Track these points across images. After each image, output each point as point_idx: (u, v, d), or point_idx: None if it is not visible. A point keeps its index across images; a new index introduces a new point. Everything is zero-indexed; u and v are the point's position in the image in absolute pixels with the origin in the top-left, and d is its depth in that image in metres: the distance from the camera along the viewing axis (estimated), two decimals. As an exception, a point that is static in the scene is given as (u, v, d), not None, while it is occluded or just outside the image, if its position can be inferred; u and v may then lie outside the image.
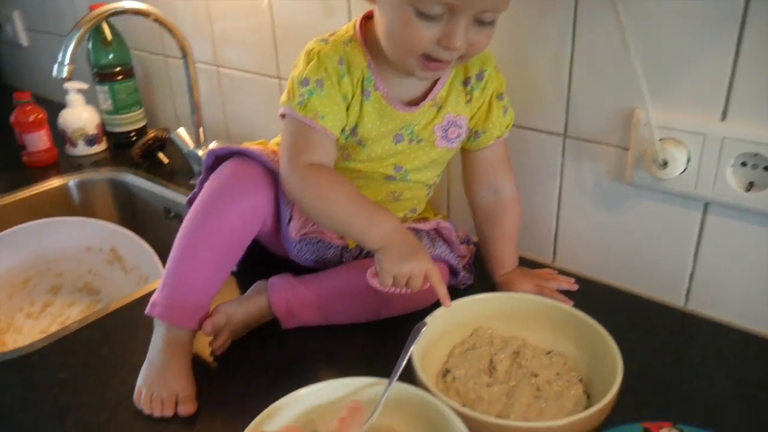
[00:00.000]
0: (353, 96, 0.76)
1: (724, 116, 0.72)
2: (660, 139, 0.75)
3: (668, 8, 0.71)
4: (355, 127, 0.77)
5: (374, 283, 0.71)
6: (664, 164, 0.75)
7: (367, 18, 0.77)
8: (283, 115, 0.77)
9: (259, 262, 0.92)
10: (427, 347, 0.70)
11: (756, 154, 0.71)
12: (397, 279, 0.69)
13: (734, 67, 0.70)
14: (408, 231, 0.73)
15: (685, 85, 0.74)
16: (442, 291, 0.70)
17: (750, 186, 0.73)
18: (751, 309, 0.78)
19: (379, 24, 0.72)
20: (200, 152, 1.22)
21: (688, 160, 0.75)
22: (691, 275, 0.82)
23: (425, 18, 0.65)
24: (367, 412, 0.60)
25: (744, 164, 0.72)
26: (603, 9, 0.74)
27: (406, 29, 0.67)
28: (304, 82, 0.74)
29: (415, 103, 0.78)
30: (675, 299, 0.84)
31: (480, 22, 0.67)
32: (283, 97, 0.77)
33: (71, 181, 1.32)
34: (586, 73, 0.81)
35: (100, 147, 1.43)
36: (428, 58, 0.69)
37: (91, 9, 1.27)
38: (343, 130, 0.78)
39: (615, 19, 0.72)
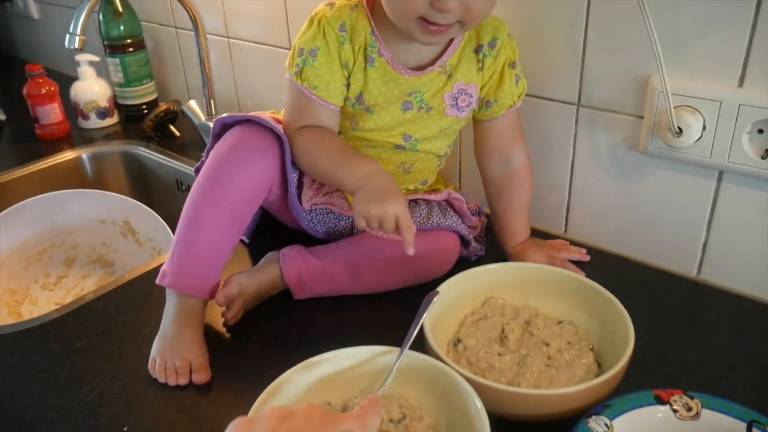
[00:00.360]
0: (355, 63, 0.76)
1: (741, 82, 0.71)
2: (675, 107, 0.74)
3: (686, -28, 0.70)
4: (361, 94, 0.77)
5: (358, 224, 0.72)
6: (679, 132, 0.74)
7: None
8: (289, 81, 0.78)
9: (271, 233, 0.93)
10: (438, 317, 0.70)
11: (773, 122, 0.70)
12: (369, 221, 0.68)
13: (752, 33, 0.68)
14: (388, 175, 0.72)
15: (702, 52, 0.72)
16: (408, 237, 0.68)
17: (766, 153, 0.71)
18: (764, 278, 0.77)
19: None
20: (212, 124, 1.22)
21: (704, 128, 0.74)
22: (704, 245, 0.81)
23: None
24: (380, 383, 0.61)
25: (761, 131, 0.71)
26: (618, -27, 0.73)
27: None
28: (299, 52, 0.76)
29: (422, 68, 0.77)
30: (687, 269, 0.84)
31: None
32: (287, 61, 0.78)
33: (84, 153, 1.33)
34: (601, 41, 0.80)
35: (112, 120, 1.44)
36: (427, 22, 0.68)
37: (101, -20, 1.27)
38: (347, 98, 0.78)
39: (631, -16, 0.71)
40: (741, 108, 0.71)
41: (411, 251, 0.68)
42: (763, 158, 0.72)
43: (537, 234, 0.90)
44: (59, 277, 1.14)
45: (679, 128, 0.74)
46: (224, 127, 0.81)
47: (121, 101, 1.44)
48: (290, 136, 0.78)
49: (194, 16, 1.17)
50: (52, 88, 1.36)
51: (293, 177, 0.80)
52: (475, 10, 0.68)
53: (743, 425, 0.55)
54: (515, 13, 0.84)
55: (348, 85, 0.78)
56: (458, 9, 0.66)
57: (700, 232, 0.81)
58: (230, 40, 1.28)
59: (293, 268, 0.79)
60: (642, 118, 0.79)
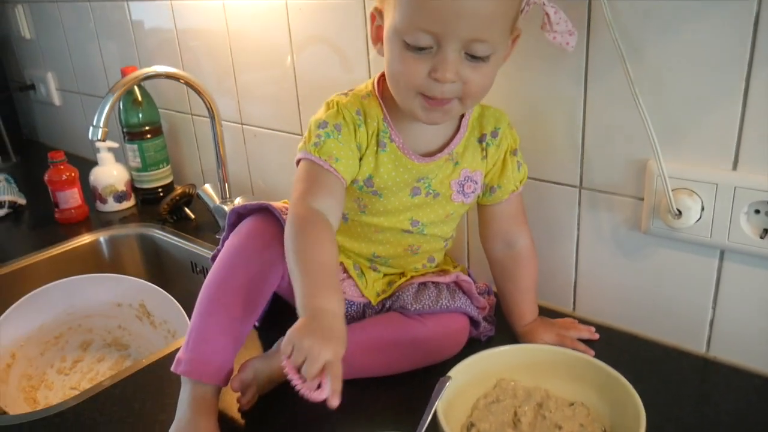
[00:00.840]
0: (368, 147, 0.79)
1: (735, 165, 0.74)
2: (673, 190, 0.77)
3: (675, 62, 0.74)
4: (371, 177, 0.80)
5: (286, 363, 0.63)
6: (679, 214, 0.77)
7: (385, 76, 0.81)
8: (298, 161, 0.79)
9: (284, 317, 0.94)
10: (450, 400, 0.71)
11: (769, 203, 0.72)
12: (295, 352, 0.61)
13: (743, 117, 0.72)
14: (343, 323, 0.66)
15: (696, 137, 0.76)
16: (335, 385, 0.61)
17: (765, 233, 0.74)
18: (773, 355, 0.78)
19: (385, 69, 0.76)
20: (226, 207, 1.26)
21: (702, 209, 0.76)
22: (711, 322, 0.82)
23: (414, 50, 0.69)
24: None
25: (757, 212, 0.74)
26: (613, 64, 0.77)
27: (399, 64, 0.71)
28: (322, 125, 0.77)
29: (431, 155, 0.81)
30: (696, 346, 0.84)
31: (472, 57, 0.69)
32: (300, 143, 0.80)
33: (101, 237, 1.37)
34: (599, 127, 0.83)
35: (129, 203, 1.48)
36: (427, 97, 0.71)
37: (124, 72, 1.34)
38: (355, 181, 0.80)
39: (624, 74, 0.75)
40: (737, 190, 0.74)
41: (335, 402, 0.61)
42: (761, 237, 0.74)
43: (546, 312, 0.92)
44: (75, 361, 1.16)
45: (679, 210, 0.77)
46: (239, 216, 0.85)
47: (138, 185, 1.49)
48: (294, 210, 0.74)
49: (210, 105, 1.23)
50: (73, 174, 1.41)
51: None
52: (473, 84, 0.71)
53: None
54: (516, 102, 0.88)
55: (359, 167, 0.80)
56: (456, 79, 0.69)
57: (706, 310, 0.82)
58: (244, 126, 1.34)
59: (306, 353, 0.80)
60: (642, 199, 0.82)
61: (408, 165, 0.80)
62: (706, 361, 0.83)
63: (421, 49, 0.69)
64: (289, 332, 0.63)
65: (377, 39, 0.76)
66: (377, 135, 0.79)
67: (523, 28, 0.77)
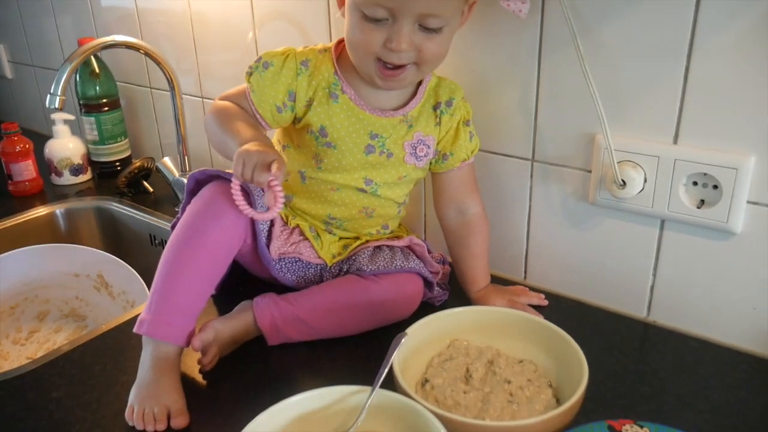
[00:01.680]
0: (314, 97, 0.84)
1: (675, 140, 0.79)
2: (618, 162, 0.82)
3: (622, 41, 0.78)
4: (323, 128, 0.84)
5: (234, 184, 0.75)
6: (623, 185, 0.82)
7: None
8: None
9: (243, 285, 0.96)
10: (406, 359, 0.74)
11: (705, 174, 0.77)
12: (245, 165, 0.72)
13: (683, 94, 0.77)
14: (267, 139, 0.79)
15: (640, 112, 0.80)
16: (282, 170, 0.72)
17: (701, 203, 0.79)
18: (707, 318, 0.84)
19: (344, 34, 0.80)
20: (186, 180, 1.26)
21: (645, 181, 0.81)
22: (652, 288, 0.87)
23: (371, 21, 0.74)
24: (353, 421, 0.64)
25: (695, 183, 0.79)
26: (565, 42, 0.81)
27: (357, 32, 0.76)
28: (258, 59, 0.85)
29: (384, 111, 0.85)
30: (638, 311, 0.90)
31: (425, 29, 0.74)
32: None
33: (57, 209, 1.35)
34: (551, 102, 0.87)
35: (86, 176, 1.47)
36: (384, 65, 0.77)
37: (81, 43, 1.32)
38: (310, 131, 0.85)
39: (576, 51, 0.79)
40: (677, 162, 0.78)
41: (278, 206, 0.73)
42: (698, 207, 0.79)
43: (498, 281, 0.96)
44: (31, 331, 1.15)
45: (623, 181, 0.81)
46: (197, 183, 0.86)
47: (95, 158, 1.48)
48: (212, 105, 0.87)
49: (170, 77, 1.23)
50: (27, 146, 1.39)
51: (263, 228, 0.84)
52: (426, 52, 0.76)
53: (687, 450, 0.61)
54: (473, 78, 0.92)
55: (293, 115, 0.86)
56: (410, 49, 0.75)
57: (647, 276, 0.87)
58: (204, 100, 1.34)
59: (266, 314, 0.82)
60: (590, 171, 0.87)
61: (360, 116, 0.84)
62: (646, 325, 0.88)
63: (377, 20, 0.74)
64: (236, 153, 0.73)
65: (341, 3, 0.81)
66: (328, 87, 0.84)
67: (479, 5, 0.80)
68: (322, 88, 0.84)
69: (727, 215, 0.77)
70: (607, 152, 0.82)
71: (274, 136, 0.94)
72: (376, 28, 0.75)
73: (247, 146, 0.73)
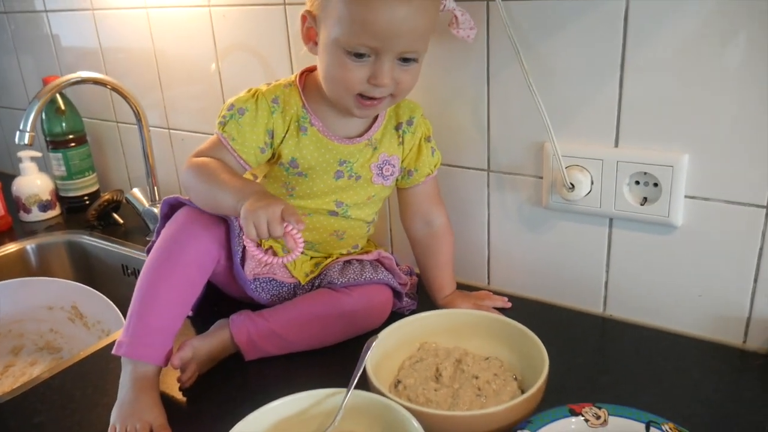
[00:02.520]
0: (287, 132, 0.87)
1: (616, 143, 0.85)
2: (566, 167, 0.88)
3: (562, 56, 0.85)
4: (294, 159, 0.87)
5: (249, 245, 0.74)
6: (572, 188, 0.87)
7: (309, 71, 0.89)
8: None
9: (217, 306, 0.99)
10: (378, 363, 0.78)
11: (645, 173, 0.84)
12: (258, 226, 0.71)
13: (620, 101, 0.83)
14: (268, 191, 0.77)
15: (583, 119, 0.87)
16: (294, 217, 0.71)
17: (644, 201, 0.85)
18: (659, 308, 0.90)
19: (320, 69, 0.83)
20: (156, 210, 1.29)
21: (592, 183, 0.87)
22: (606, 284, 0.93)
23: (354, 58, 0.77)
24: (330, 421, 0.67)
25: (637, 182, 0.85)
26: (510, 59, 0.87)
27: (340, 70, 0.79)
28: (229, 107, 0.87)
29: (350, 139, 0.89)
30: (595, 307, 0.95)
31: (404, 60, 0.79)
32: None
33: (27, 245, 1.36)
34: (502, 116, 0.93)
35: (54, 212, 1.48)
36: (362, 97, 0.80)
37: (46, 81, 1.35)
38: (281, 163, 0.88)
39: (520, 67, 0.85)
40: (619, 164, 0.85)
41: (299, 248, 0.73)
42: (642, 204, 0.85)
43: (463, 287, 1.00)
44: (6, 366, 1.15)
45: (572, 184, 0.87)
46: (171, 208, 0.89)
47: (63, 194, 1.49)
48: (187, 163, 0.84)
49: (137, 109, 1.26)
50: (-6, 185, 1.40)
51: (238, 249, 0.88)
52: (404, 83, 0.81)
53: (643, 426, 0.65)
54: (428, 96, 0.97)
55: (272, 151, 0.88)
56: (391, 84, 0.79)
57: (601, 273, 0.93)
58: (171, 131, 1.37)
59: (242, 330, 0.85)
60: (542, 178, 0.92)
61: (329, 146, 0.88)
62: (603, 320, 0.94)
63: (360, 56, 0.77)
64: (241, 216, 0.73)
65: (308, 39, 0.84)
66: (297, 121, 0.87)
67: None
68: (293, 122, 0.87)
69: (668, 210, 0.83)
70: (555, 158, 0.87)
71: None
72: (359, 66, 0.78)
73: (247, 206, 0.72)
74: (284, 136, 0.87)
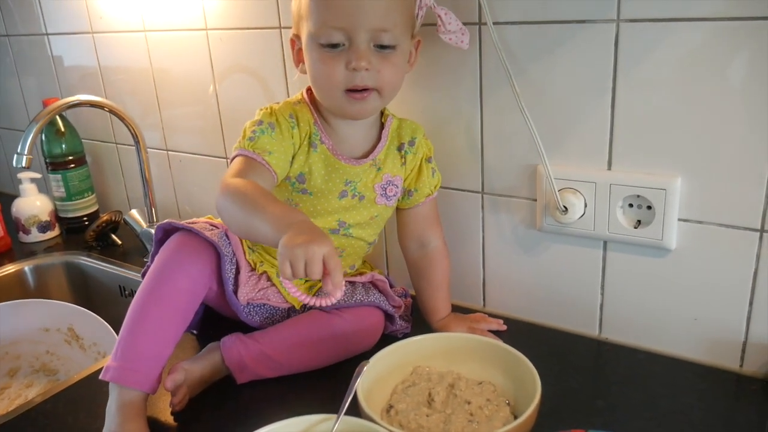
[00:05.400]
0: (300, 146, 0.87)
1: (609, 165, 0.85)
2: (559, 189, 0.88)
3: (553, 79, 0.85)
4: (302, 174, 0.87)
5: (286, 284, 0.71)
6: (566, 210, 0.87)
7: (311, 91, 0.89)
8: (233, 159, 0.85)
9: (215, 326, 0.99)
10: (371, 388, 0.77)
11: (638, 196, 0.83)
12: (293, 263, 0.65)
13: (612, 125, 0.83)
14: (314, 224, 0.71)
15: (576, 142, 0.87)
16: (336, 278, 0.67)
17: (638, 223, 0.85)
18: (654, 331, 0.89)
19: (309, 77, 0.84)
20: (153, 231, 1.29)
21: (585, 206, 0.87)
22: (601, 306, 0.92)
23: (330, 49, 0.79)
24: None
25: (631, 205, 0.85)
26: (502, 82, 0.88)
27: (320, 65, 0.80)
28: (258, 123, 0.85)
29: (356, 159, 0.89)
30: (591, 330, 0.94)
31: (380, 47, 0.79)
32: (235, 144, 0.86)
33: (26, 266, 1.37)
34: (495, 138, 0.94)
35: (53, 233, 1.48)
36: (349, 92, 0.81)
37: (46, 103, 1.36)
38: (287, 178, 0.87)
39: (512, 91, 0.85)
40: (612, 187, 0.85)
41: (339, 294, 0.69)
42: (635, 227, 0.85)
43: (459, 309, 1.00)
44: (2, 388, 1.15)
45: (565, 207, 0.87)
46: (165, 233, 0.89)
47: (62, 215, 1.50)
48: (223, 184, 0.78)
49: (134, 131, 1.27)
50: (-7, 206, 1.41)
51: (229, 277, 0.88)
52: (384, 74, 0.81)
53: (634, 453, 0.65)
54: (423, 120, 0.97)
55: (291, 164, 0.87)
56: (370, 67, 0.79)
57: (596, 296, 0.92)
58: (169, 152, 1.38)
59: (234, 352, 0.85)
60: (535, 200, 0.92)
61: (337, 165, 0.88)
62: (599, 342, 0.93)
63: (334, 46, 0.79)
64: (279, 251, 0.66)
65: (299, 60, 0.86)
66: (309, 136, 0.88)
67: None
68: (306, 138, 0.88)
69: (662, 233, 0.83)
70: (548, 181, 0.87)
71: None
72: (336, 56, 0.79)
73: (285, 241, 0.66)
74: (298, 151, 0.87)
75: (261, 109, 0.88)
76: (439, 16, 0.84)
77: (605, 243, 0.89)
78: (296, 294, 0.71)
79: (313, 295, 0.73)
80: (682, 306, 0.86)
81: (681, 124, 0.79)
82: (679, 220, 0.82)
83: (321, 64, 0.80)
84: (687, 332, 0.86)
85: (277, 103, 0.90)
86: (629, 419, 0.76)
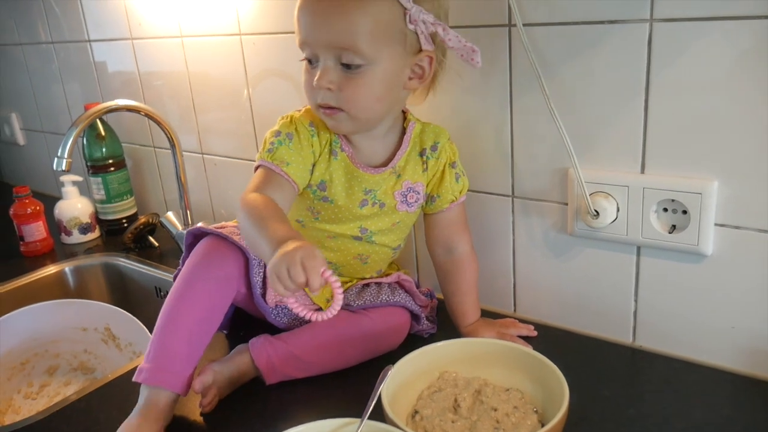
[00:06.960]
0: (321, 154, 0.87)
1: (643, 169, 0.83)
2: (591, 193, 0.86)
3: (584, 81, 0.83)
4: (323, 182, 0.88)
5: (288, 302, 0.71)
6: (597, 215, 0.85)
7: None
8: (256, 169, 0.87)
9: (245, 327, 1.00)
10: (396, 393, 0.77)
11: (673, 200, 0.81)
12: (279, 276, 0.66)
13: (645, 127, 0.81)
14: (300, 236, 0.72)
15: (607, 145, 0.85)
16: (314, 282, 0.66)
17: (673, 228, 0.82)
18: (689, 339, 0.86)
19: None
20: (186, 234, 1.31)
21: (618, 210, 0.85)
22: (635, 313, 0.90)
23: (309, 64, 0.81)
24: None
25: (665, 209, 0.83)
26: (532, 84, 0.86)
27: (304, 78, 0.83)
28: (276, 134, 0.87)
29: (376, 168, 0.89)
30: (623, 337, 0.92)
31: (346, 67, 0.78)
32: (258, 154, 0.88)
33: (66, 267, 1.41)
34: (525, 141, 0.92)
35: (94, 234, 1.52)
36: (320, 106, 0.82)
37: (87, 108, 1.40)
38: (309, 185, 0.88)
39: (542, 93, 0.84)
40: (645, 191, 0.82)
41: (336, 308, 0.69)
42: (670, 232, 0.83)
43: (489, 315, 0.99)
44: (42, 386, 1.18)
45: (596, 211, 0.85)
46: (195, 238, 0.91)
47: (102, 216, 1.54)
48: (242, 200, 0.80)
49: (171, 136, 1.30)
50: (38, 208, 1.45)
51: (257, 280, 0.88)
52: (346, 92, 0.79)
53: (665, 465, 0.63)
54: (452, 122, 0.96)
55: (311, 172, 0.88)
56: (329, 86, 0.79)
57: (629, 303, 0.90)
58: (204, 156, 1.40)
59: (262, 353, 0.86)
60: (566, 204, 0.91)
61: (356, 173, 0.88)
62: (633, 350, 0.91)
63: (311, 61, 0.81)
64: (267, 270, 0.68)
65: None
66: (330, 144, 0.88)
67: (453, 54, 0.86)
68: (327, 145, 0.88)
69: (698, 238, 0.80)
70: (579, 185, 0.86)
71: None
72: (312, 70, 0.81)
73: (271, 261, 0.68)
74: (318, 159, 0.88)
75: (282, 118, 0.89)
76: (436, 32, 0.80)
77: (639, 248, 0.87)
78: (296, 308, 0.71)
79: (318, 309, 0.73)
80: (719, 314, 0.83)
81: (718, 127, 0.76)
82: (716, 225, 0.80)
83: (304, 77, 0.83)
84: (724, 341, 0.84)
85: (299, 110, 0.90)
86: (662, 430, 0.74)
